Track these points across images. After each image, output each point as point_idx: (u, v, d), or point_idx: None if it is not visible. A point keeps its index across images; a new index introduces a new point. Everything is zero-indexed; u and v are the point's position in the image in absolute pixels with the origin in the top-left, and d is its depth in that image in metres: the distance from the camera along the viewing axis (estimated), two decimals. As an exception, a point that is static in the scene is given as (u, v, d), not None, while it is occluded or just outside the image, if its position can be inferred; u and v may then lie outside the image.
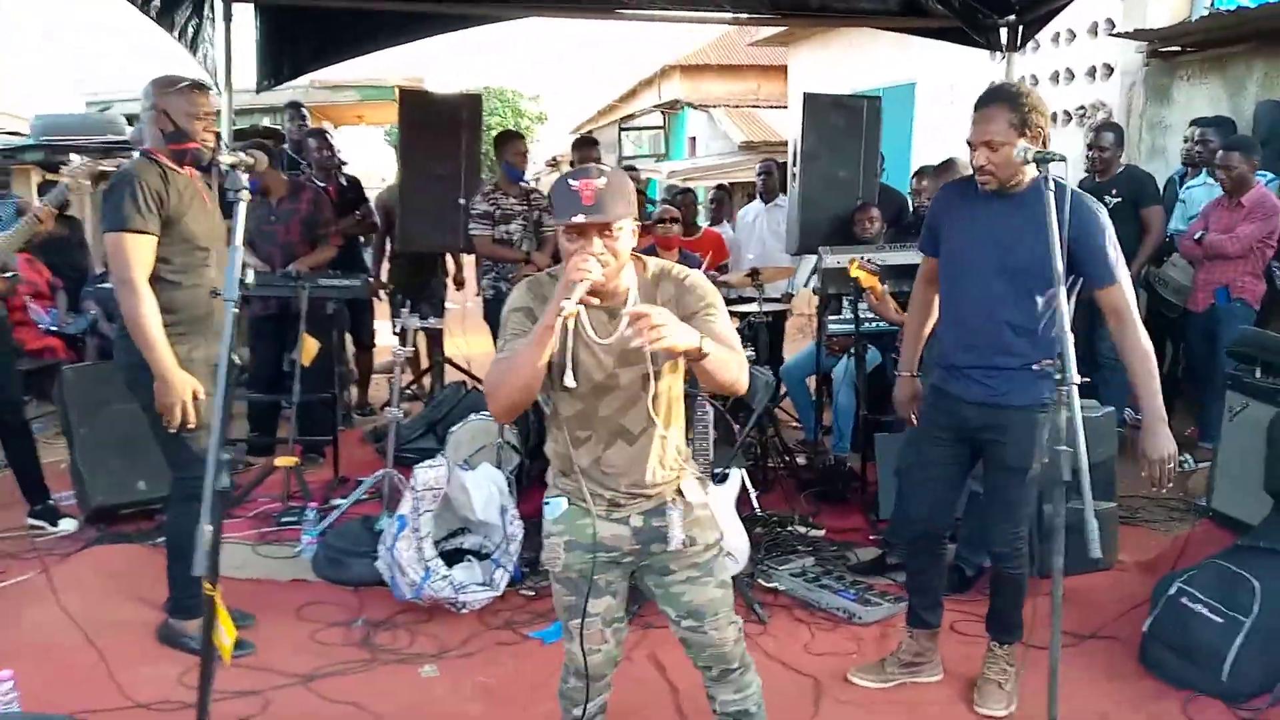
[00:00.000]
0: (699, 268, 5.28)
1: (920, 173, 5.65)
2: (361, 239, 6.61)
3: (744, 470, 4.58)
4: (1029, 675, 3.08)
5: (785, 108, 13.58)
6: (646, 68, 20.29)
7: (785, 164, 6.24)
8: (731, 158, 14.21)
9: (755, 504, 4.59)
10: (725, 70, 17.68)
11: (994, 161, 2.60)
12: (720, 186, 7.50)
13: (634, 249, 2.14)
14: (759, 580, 3.86)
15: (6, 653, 2.88)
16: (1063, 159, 2.29)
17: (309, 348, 4.45)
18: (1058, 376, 2.18)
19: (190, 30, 5.57)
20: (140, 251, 2.97)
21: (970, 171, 2.78)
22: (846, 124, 5.65)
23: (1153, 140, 6.69)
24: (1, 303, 5.42)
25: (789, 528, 4.45)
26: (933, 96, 9.21)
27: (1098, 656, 3.28)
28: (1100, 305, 2.71)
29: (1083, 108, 7.18)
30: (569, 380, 2.08)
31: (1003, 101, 2.57)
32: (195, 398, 2.99)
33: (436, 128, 5.65)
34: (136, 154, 3.21)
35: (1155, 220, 5.19)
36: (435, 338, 6.46)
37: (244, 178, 2.08)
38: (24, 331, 5.84)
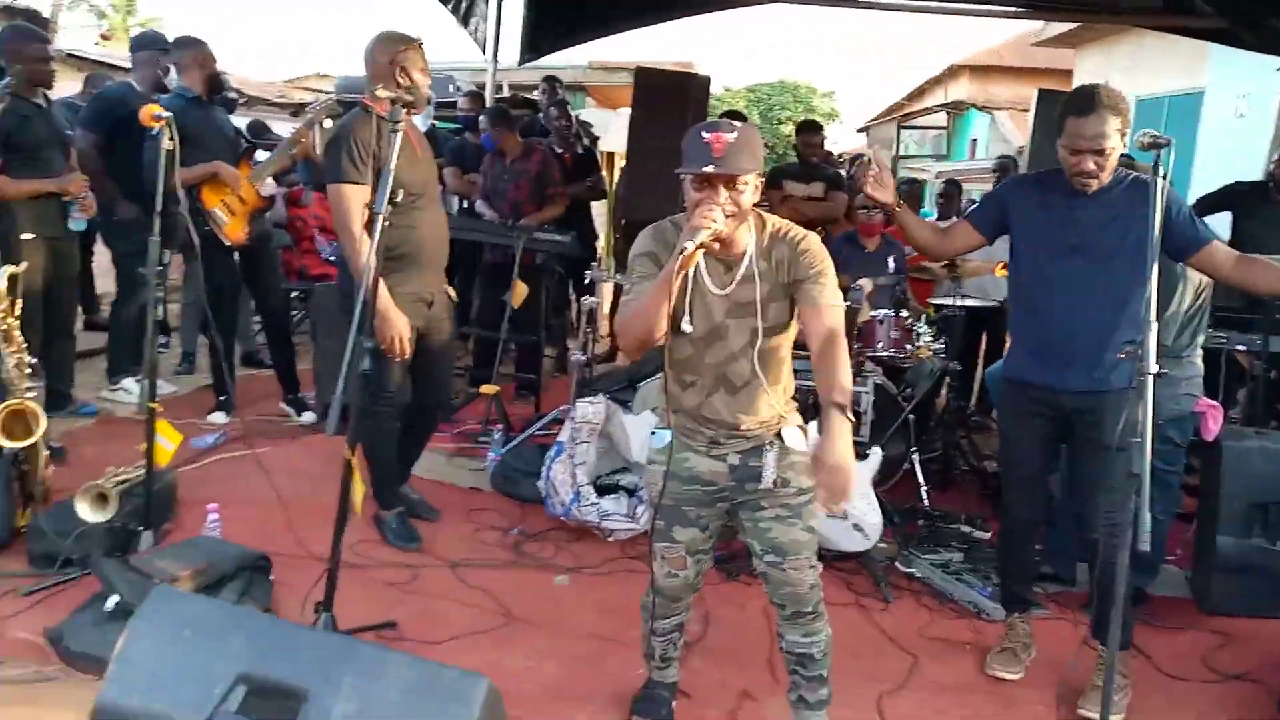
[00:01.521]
0: (904, 257, 5.29)
1: None
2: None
3: (916, 459, 4.63)
4: (1153, 699, 2.98)
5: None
6: (937, 67, 19.74)
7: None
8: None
9: (924, 497, 4.61)
10: (1015, 73, 16.85)
11: (1103, 167, 2.67)
12: (950, 181, 7.32)
13: (835, 233, 2.27)
14: (897, 564, 3.89)
15: (224, 497, 3.54)
16: (1169, 142, 2.24)
17: (519, 291, 4.96)
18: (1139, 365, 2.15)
19: (464, 4, 6.26)
20: (355, 201, 3.30)
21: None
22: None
23: None
24: (282, 230, 6.42)
25: (952, 525, 4.42)
26: (1222, 106, 8.41)
27: (1236, 697, 3.07)
28: (1212, 266, 2.80)
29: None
30: (685, 325, 2.25)
31: (1108, 109, 2.60)
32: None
33: (666, 104, 5.99)
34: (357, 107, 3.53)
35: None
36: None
37: (402, 112, 2.48)
38: (309, 259, 6.83)
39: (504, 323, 5.12)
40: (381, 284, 3.19)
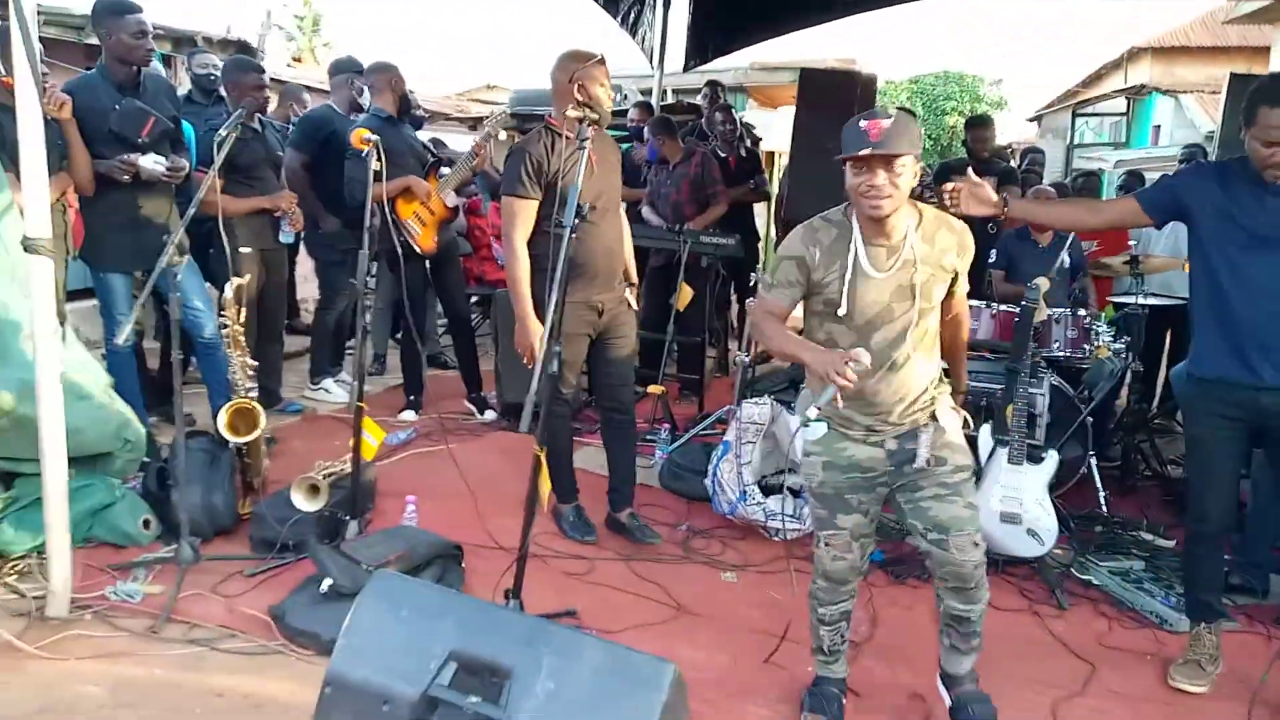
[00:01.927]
0: (1082, 253, 5.11)
1: None
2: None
3: (1093, 463, 4.48)
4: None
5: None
6: (1116, 50, 18.72)
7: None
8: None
9: (1103, 502, 4.46)
10: (1205, 53, 15.78)
11: None
12: (1132, 173, 6.97)
13: (1007, 228, 2.43)
14: (1073, 571, 3.80)
15: (418, 489, 3.83)
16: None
17: (684, 294, 5.10)
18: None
19: (632, 15, 6.44)
20: (519, 212, 3.42)
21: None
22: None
23: None
24: (463, 238, 6.78)
25: (1133, 532, 4.27)
26: None
27: None
28: None
29: None
30: (842, 309, 2.37)
31: None
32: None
33: (831, 104, 5.96)
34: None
35: None
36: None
37: (589, 130, 2.64)
38: (487, 265, 7.20)
39: (669, 324, 5.27)
40: (528, 296, 3.39)
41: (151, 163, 3.95)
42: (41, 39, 7.13)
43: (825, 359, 2.18)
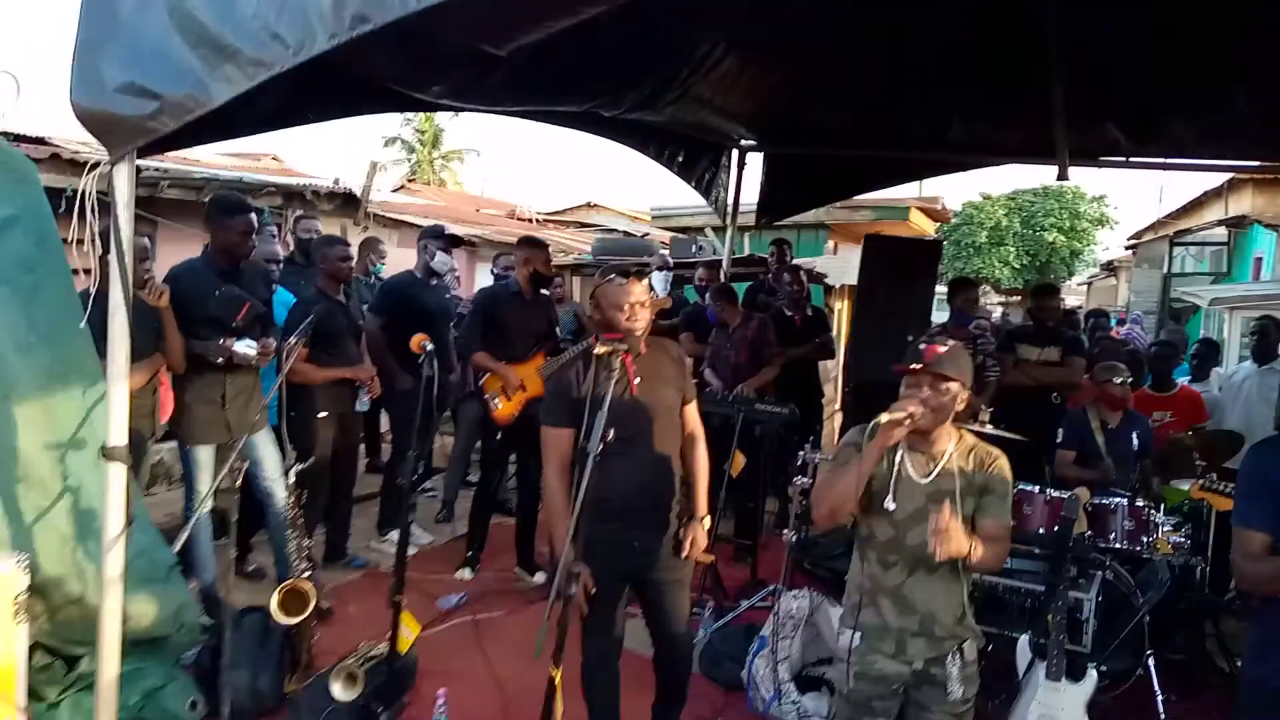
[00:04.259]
0: (1150, 434, 4.91)
1: None
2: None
3: (1151, 663, 4.27)
4: None
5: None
6: (1218, 178, 18.25)
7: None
8: (1296, 289, 12.27)
9: (1161, 710, 4.25)
10: (1309, 186, 15.24)
11: None
12: (1207, 341, 6.78)
13: (1077, 403, 2.61)
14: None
15: (457, 668, 3.92)
16: None
17: (737, 461, 5.17)
18: None
19: (706, 178, 6.71)
20: (551, 443, 3.18)
21: None
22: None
23: None
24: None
25: (1197, 748, 4.05)
26: None
27: None
28: None
29: None
30: (889, 503, 2.64)
31: None
32: None
33: (895, 267, 6.10)
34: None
35: None
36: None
37: (616, 361, 2.84)
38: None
39: (722, 490, 5.32)
40: (565, 531, 2.84)
41: (245, 347, 4.21)
42: (164, 200, 7.72)
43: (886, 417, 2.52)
